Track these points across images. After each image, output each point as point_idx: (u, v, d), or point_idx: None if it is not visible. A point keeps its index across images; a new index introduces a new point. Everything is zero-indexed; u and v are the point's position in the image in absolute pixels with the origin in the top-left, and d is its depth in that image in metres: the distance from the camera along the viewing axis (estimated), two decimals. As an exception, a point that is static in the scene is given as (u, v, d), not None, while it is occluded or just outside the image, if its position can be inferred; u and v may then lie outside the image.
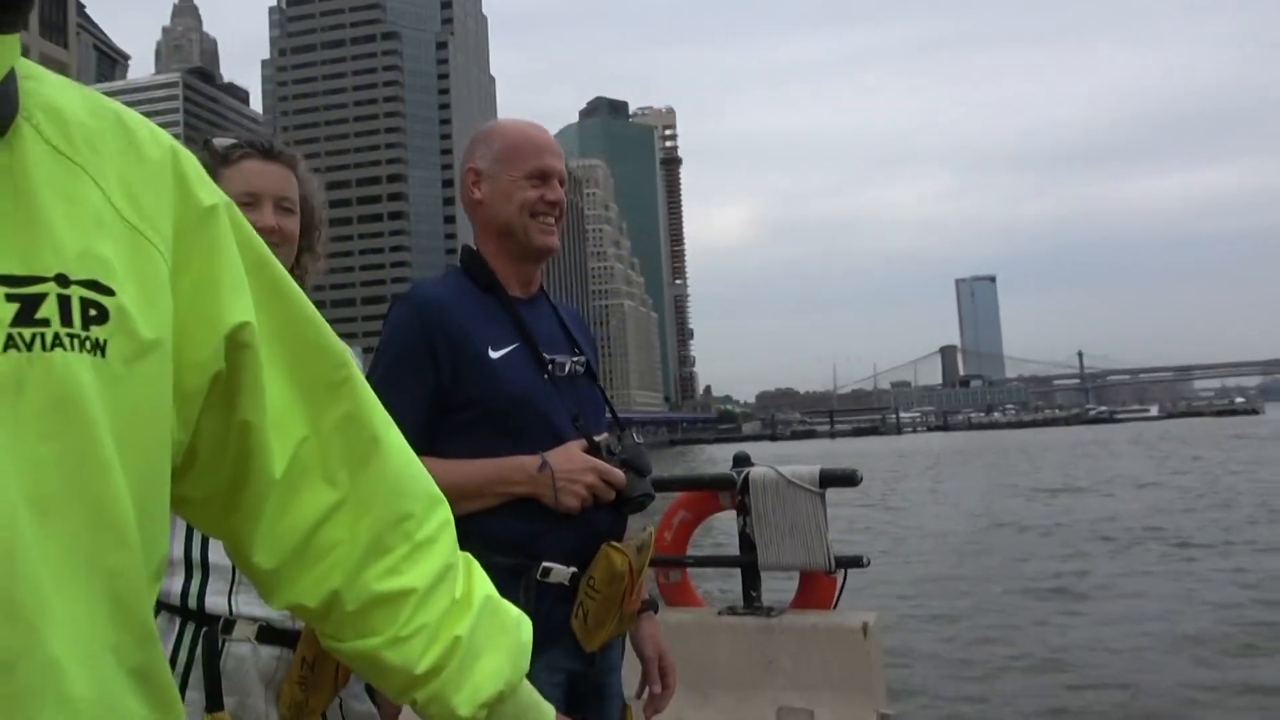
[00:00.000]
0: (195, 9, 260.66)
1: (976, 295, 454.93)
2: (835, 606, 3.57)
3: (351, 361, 0.81)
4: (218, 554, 1.43)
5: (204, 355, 0.68)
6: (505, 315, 1.75)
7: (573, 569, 1.67)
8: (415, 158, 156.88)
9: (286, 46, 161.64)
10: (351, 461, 0.78)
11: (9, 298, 0.56)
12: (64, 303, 0.57)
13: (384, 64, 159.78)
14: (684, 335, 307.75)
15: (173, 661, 1.41)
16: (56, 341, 0.57)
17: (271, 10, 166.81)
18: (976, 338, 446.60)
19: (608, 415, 1.87)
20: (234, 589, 1.44)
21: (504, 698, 0.82)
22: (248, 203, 1.59)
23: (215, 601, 1.43)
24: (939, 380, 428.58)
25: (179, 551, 1.45)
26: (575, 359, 1.81)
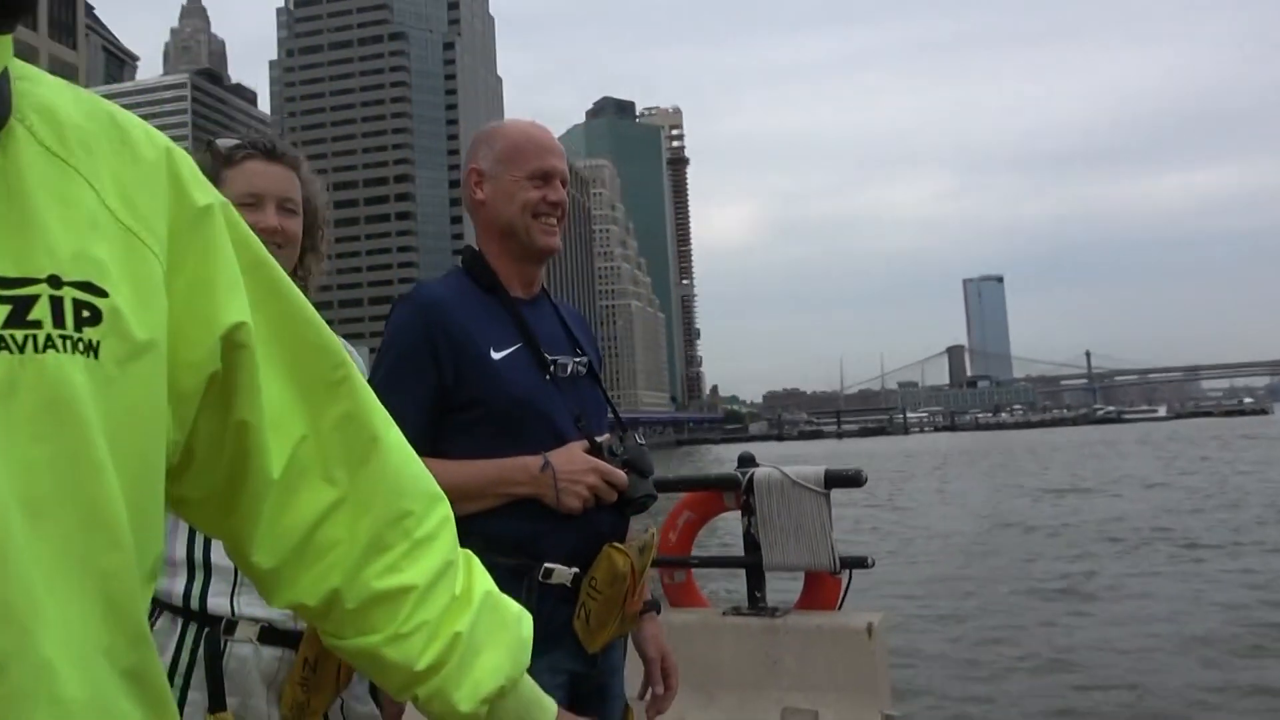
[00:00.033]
0: (203, 10, 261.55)
1: (984, 295, 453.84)
2: (840, 607, 3.56)
3: (350, 360, 0.81)
4: (220, 555, 1.44)
5: (199, 356, 0.68)
6: (507, 316, 1.75)
7: (575, 570, 1.67)
8: (422, 158, 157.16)
9: (294, 47, 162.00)
10: (351, 460, 0.78)
11: (1, 299, 0.56)
12: (56, 304, 0.57)
13: (391, 64, 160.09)
14: (691, 335, 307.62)
15: (175, 662, 1.41)
16: (49, 343, 0.57)
17: (279, 11, 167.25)
18: (984, 338, 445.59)
19: (610, 416, 1.86)
20: (236, 590, 1.44)
21: (505, 693, 0.82)
22: (250, 203, 1.60)
23: (217, 602, 1.44)
24: (946, 380, 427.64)
25: (181, 552, 1.46)
26: (577, 359, 1.81)
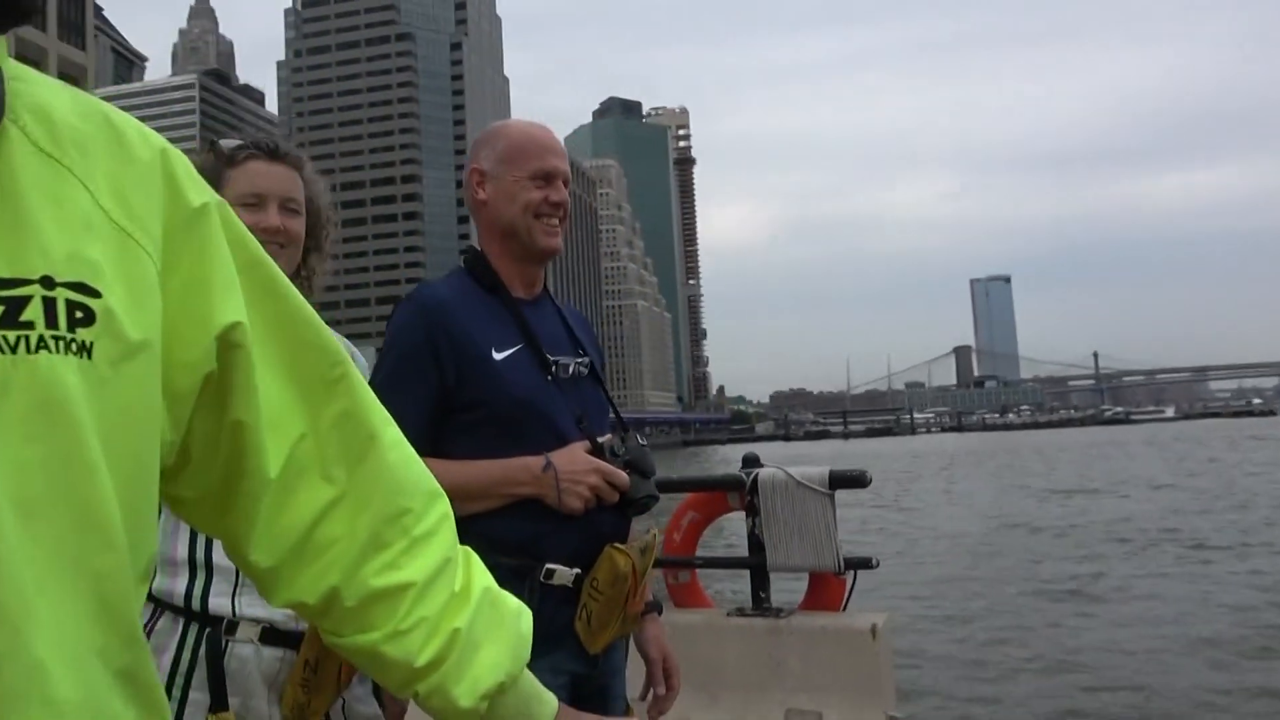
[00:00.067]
0: (212, 11, 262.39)
1: (991, 295, 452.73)
2: (844, 608, 3.55)
3: (348, 359, 0.81)
4: (221, 555, 1.44)
5: (195, 356, 0.68)
6: (509, 316, 1.74)
7: (576, 570, 1.66)
8: (429, 158, 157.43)
9: (301, 48, 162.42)
10: (349, 458, 0.78)
11: None
12: (49, 305, 0.57)
13: (398, 65, 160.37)
14: (697, 335, 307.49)
15: (176, 662, 1.41)
16: (41, 344, 0.57)
17: (287, 12, 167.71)
18: (991, 338, 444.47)
19: (611, 416, 1.86)
20: (238, 590, 1.45)
21: (505, 688, 0.82)
22: (253, 203, 1.60)
23: (219, 603, 1.44)
24: (953, 381, 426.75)
25: (183, 553, 1.46)
26: (579, 360, 1.81)
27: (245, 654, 1.44)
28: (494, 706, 0.82)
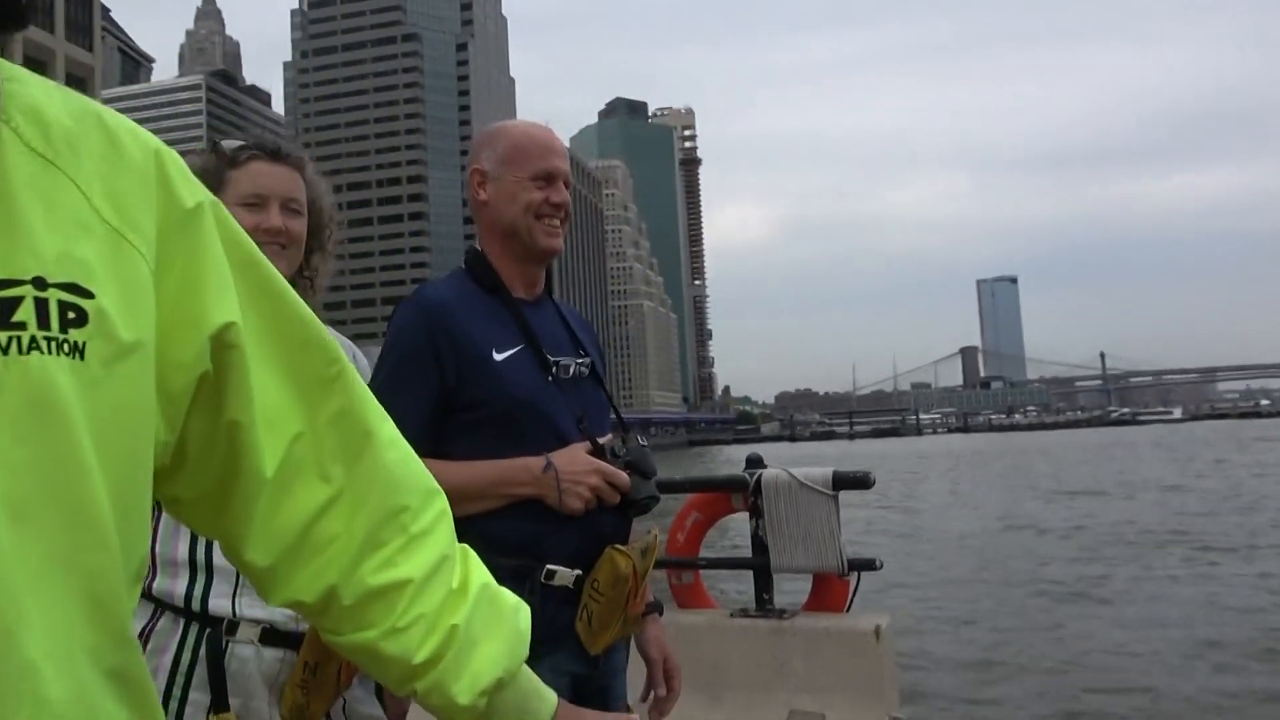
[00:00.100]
0: (218, 12, 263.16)
1: (997, 296, 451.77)
2: (848, 609, 3.55)
3: (344, 357, 0.81)
4: (222, 556, 1.44)
5: (189, 356, 0.68)
6: (509, 317, 1.74)
7: (577, 571, 1.66)
8: (435, 158, 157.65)
9: (308, 49, 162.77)
10: (346, 456, 0.78)
11: None
12: (41, 305, 0.57)
13: (404, 65, 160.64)
14: (703, 336, 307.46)
15: (176, 662, 1.41)
16: (33, 345, 0.57)
17: (293, 13, 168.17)
18: (997, 339, 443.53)
19: (612, 417, 1.86)
20: (238, 591, 1.44)
21: (503, 685, 0.82)
22: (255, 204, 1.61)
23: (219, 604, 1.44)
24: (959, 381, 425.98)
25: (184, 553, 1.46)
26: (579, 361, 1.80)
27: (246, 655, 1.44)
28: (493, 703, 0.82)
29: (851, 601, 3.56)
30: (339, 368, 0.80)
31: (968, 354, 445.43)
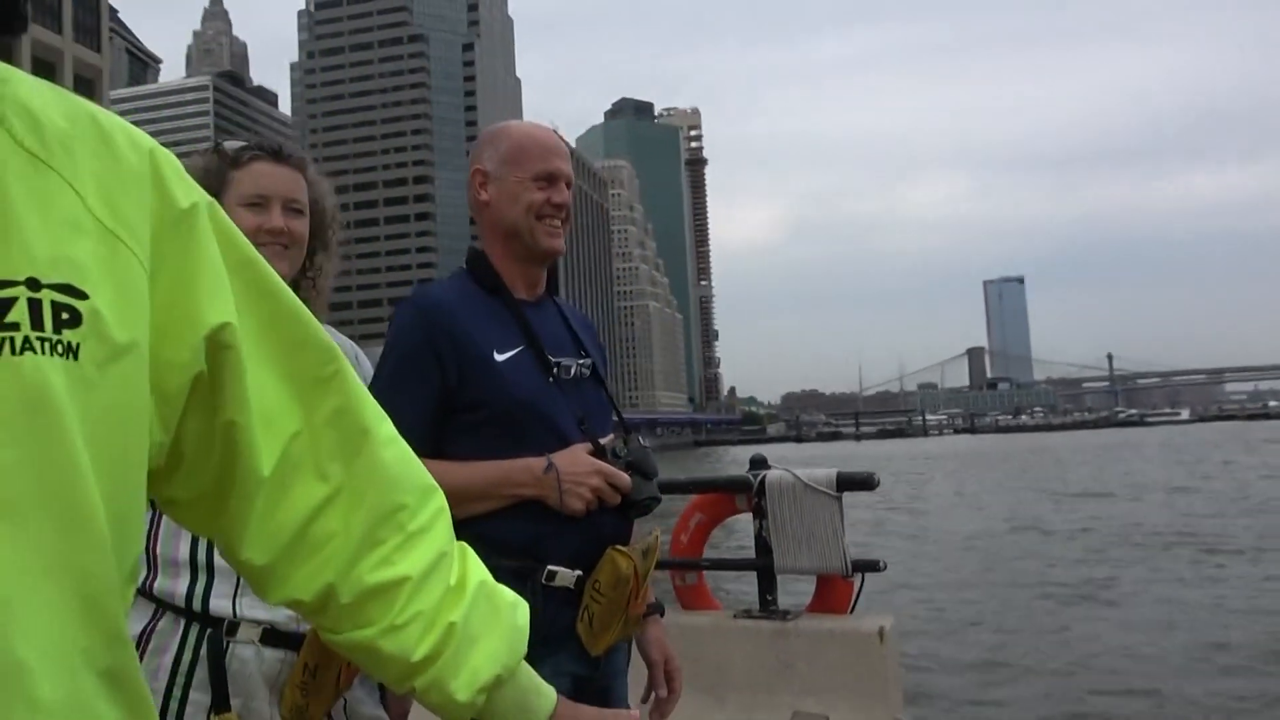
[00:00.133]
0: (225, 13, 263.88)
1: (1004, 296, 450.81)
2: (852, 611, 3.54)
3: (341, 356, 0.81)
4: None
5: (184, 356, 0.68)
6: (510, 318, 1.74)
7: (578, 572, 1.66)
8: (442, 159, 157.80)
9: (315, 49, 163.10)
10: (343, 455, 0.78)
11: None
12: (35, 306, 0.57)
13: (411, 66, 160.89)
14: (709, 336, 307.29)
15: (177, 662, 1.42)
16: (27, 345, 0.57)
17: (300, 14, 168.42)
18: (1004, 340, 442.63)
19: (614, 418, 1.86)
20: (239, 592, 1.45)
21: (502, 681, 0.82)
22: (257, 204, 1.61)
23: (220, 604, 1.44)
24: (966, 382, 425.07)
25: (185, 554, 1.46)
26: (581, 361, 1.80)
27: (246, 655, 1.44)
28: (492, 700, 0.82)
29: (855, 603, 3.55)
30: (336, 366, 0.80)
31: (974, 355, 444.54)
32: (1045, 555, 14.53)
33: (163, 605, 1.45)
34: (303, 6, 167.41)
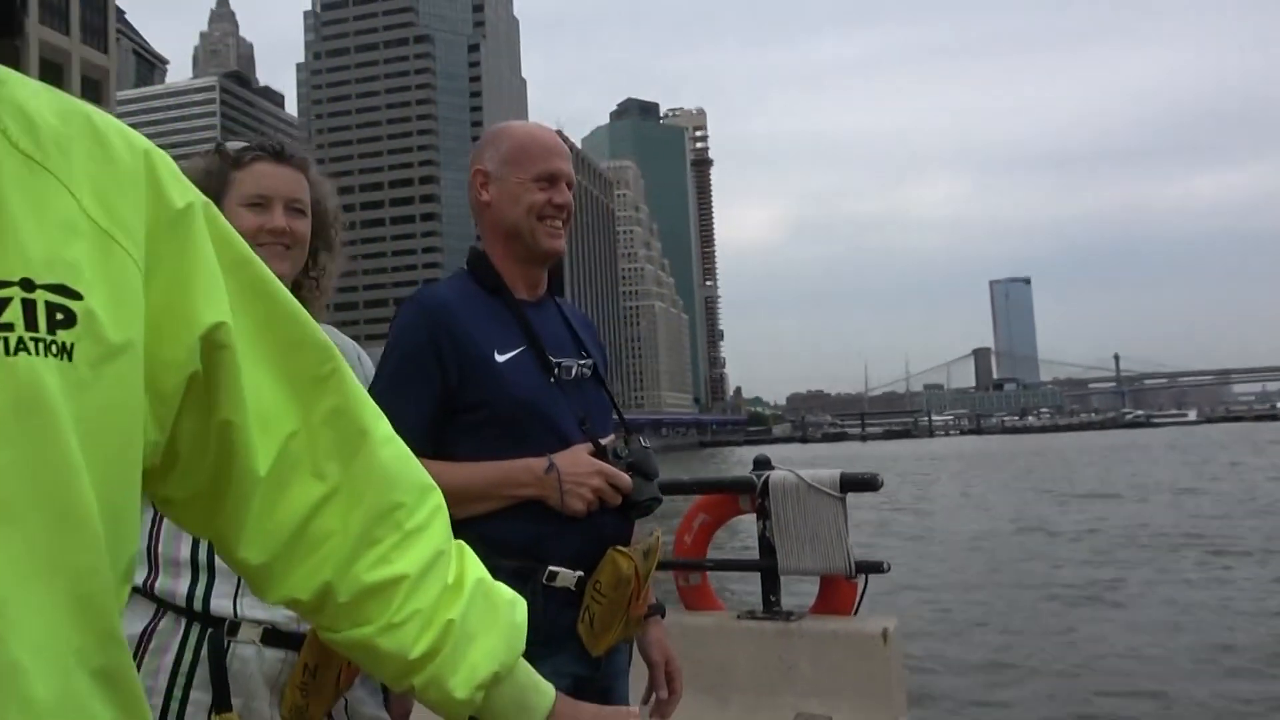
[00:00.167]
0: (232, 14, 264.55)
1: (1011, 297, 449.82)
2: (856, 612, 3.53)
3: (338, 355, 0.81)
4: None
5: (179, 356, 0.68)
6: (511, 318, 1.74)
7: (579, 573, 1.66)
8: (447, 159, 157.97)
9: (321, 50, 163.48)
10: (341, 454, 0.79)
11: None
12: (29, 307, 0.58)
13: (416, 67, 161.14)
14: (714, 336, 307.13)
15: (178, 662, 1.42)
16: (21, 346, 0.57)
17: (306, 15, 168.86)
18: (1010, 340, 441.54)
19: (615, 418, 1.85)
20: (240, 592, 1.45)
21: (500, 678, 0.82)
22: (259, 204, 1.61)
23: (220, 604, 1.44)
24: (972, 383, 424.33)
25: (186, 554, 1.46)
26: (582, 362, 1.80)
27: (247, 655, 1.44)
28: (490, 697, 0.82)
29: (859, 604, 3.54)
30: (333, 366, 0.80)
31: (980, 355, 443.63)
32: (1051, 556, 14.50)
33: (164, 605, 1.45)
34: (309, 8, 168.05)
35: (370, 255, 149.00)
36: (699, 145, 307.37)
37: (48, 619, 0.56)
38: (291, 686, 1.39)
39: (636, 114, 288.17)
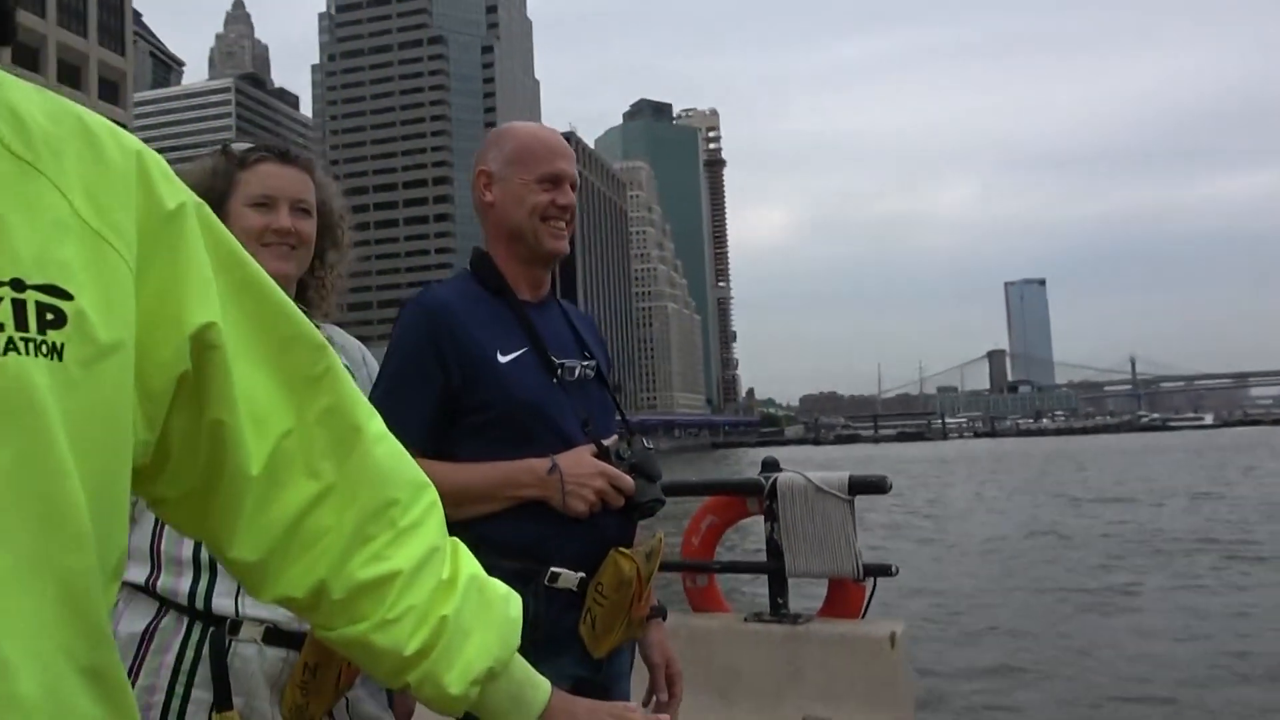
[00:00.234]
0: (248, 16, 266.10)
1: (1026, 299, 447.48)
2: (864, 615, 3.52)
3: (332, 354, 0.82)
4: None
5: (168, 356, 0.69)
6: (514, 319, 1.74)
7: (581, 574, 1.66)
8: (461, 160, 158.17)
9: (335, 52, 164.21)
10: (335, 452, 0.79)
11: None
12: (19, 307, 0.58)
13: (430, 68, 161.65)
14: (727, 337, 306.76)
15: (179, 660, 1.42)
16: (10, 346, 0.57)
17: (321, 17, 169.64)
18: (1025, 342, 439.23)
19: (618, 420, 1.85)
20: (241, 590, 1.45)
21: (495, 674, 0.82)
22: (264, 204, 1.62)
23: (222, 603, 1.45)
24: (986, 385, 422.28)
25: (188, 552, 1.47)
26: (585, 363, 1.80)
27: (248, 654, 1.44)
28: (485, 692, 0.82)
29: (867, 607, 3.53)
30: (326, 364, 0.80)
31: (995, 357, 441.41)
32: (1065, 560, 14.41)
33: (166, 603, 1.46)
34: (323, 9, 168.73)
35: (384, 256, 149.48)
36: (712, 146, 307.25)
37: (36, 616, 0.56)
38: (292, 685, 1.40)
39: (649, 115, 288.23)
